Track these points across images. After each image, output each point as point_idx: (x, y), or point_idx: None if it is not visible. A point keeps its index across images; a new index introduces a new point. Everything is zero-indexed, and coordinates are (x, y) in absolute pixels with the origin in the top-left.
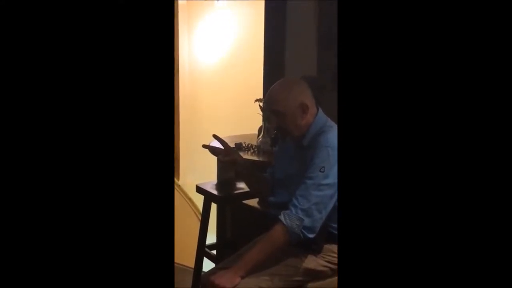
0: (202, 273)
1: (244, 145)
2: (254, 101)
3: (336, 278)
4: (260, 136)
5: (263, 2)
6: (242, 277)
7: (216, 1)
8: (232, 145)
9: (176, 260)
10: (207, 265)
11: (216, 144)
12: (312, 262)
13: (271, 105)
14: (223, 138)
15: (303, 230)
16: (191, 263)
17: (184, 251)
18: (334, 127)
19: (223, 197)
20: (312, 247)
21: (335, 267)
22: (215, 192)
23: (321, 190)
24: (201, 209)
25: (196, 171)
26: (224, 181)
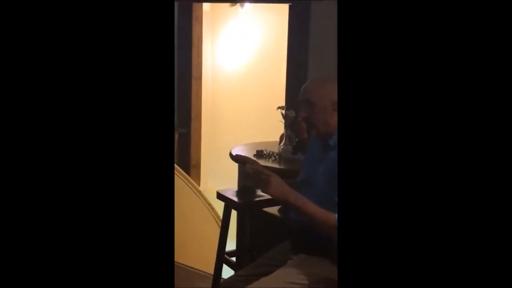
0: (221, 280)
1: (265, 152)
2: (276, 108)
3: None
4: (281, 144)
5: (287, 7)
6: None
7: (240, 6)
8: (253, 152)
9: (195, 266)
10: (226, 272)
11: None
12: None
13: (304, 94)
14: (245, 146)
15: None
16: (210, 269)
17: (203, 257)
18: None
19: (244, 204)
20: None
21: None
22: (235, 199)
23: None
24: (221, 215)
25: (217, 177)
26: (244, 188)
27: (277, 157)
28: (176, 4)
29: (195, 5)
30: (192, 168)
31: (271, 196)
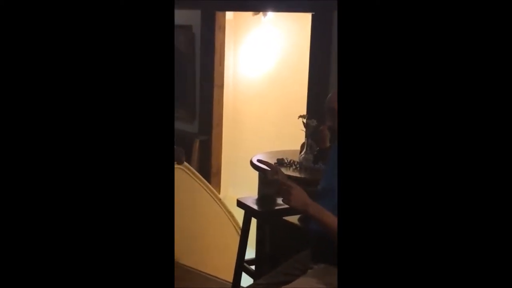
0: None
1: (286, 161)
2: (297, 117)
3: None
4: (302, 153)
5: (310, 16)
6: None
7: (262, 15)
8: (274, 160)
9: (214, 273)
10: (246, 280)
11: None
12: None
13: (331, 102)
14: (266, 154)
15: None
16: (229, 277)
17: (223, 265)
18: None
19: (264, 212)
20: None
21: None
22: (255, 207)
23: None
24: (241, 223)
25: (237, 185)
26: (265, 196)
27: (298, 166)
28: (199, 13)
29: (218, 14)
30: (212, 175)
31: (291, 207)
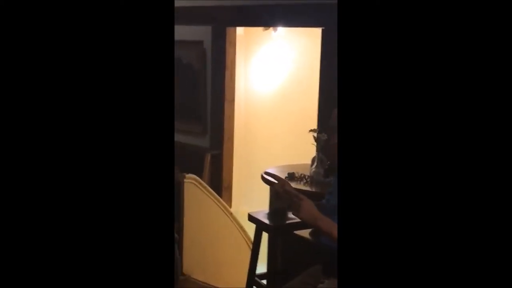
0: None
1: (297, 175)
2: (308, 131)
3: None
4: (313, 167)
5: (320, 31)
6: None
7: (273, 30)
8: (285, 174)
9: (225, 287)
10: None
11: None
12: None
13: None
14: (277, 168)
15: None
16: None
17: (234, 280)
18: None
19: (275, 226)
20: None
21: None
22: (267, 221)
23: None
24: (252, 237)
25: (248, 200)
26: (276, 211)
27: (308, 179)
28: (210, 29)
29: (229, 29)
30: (224, 189)
31: (301, 219)
